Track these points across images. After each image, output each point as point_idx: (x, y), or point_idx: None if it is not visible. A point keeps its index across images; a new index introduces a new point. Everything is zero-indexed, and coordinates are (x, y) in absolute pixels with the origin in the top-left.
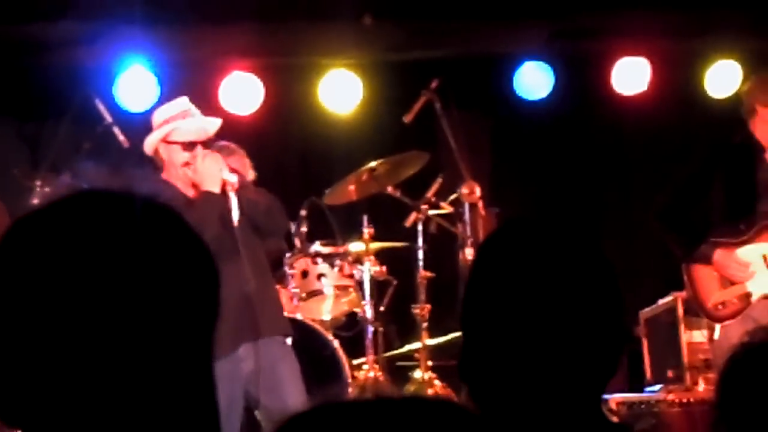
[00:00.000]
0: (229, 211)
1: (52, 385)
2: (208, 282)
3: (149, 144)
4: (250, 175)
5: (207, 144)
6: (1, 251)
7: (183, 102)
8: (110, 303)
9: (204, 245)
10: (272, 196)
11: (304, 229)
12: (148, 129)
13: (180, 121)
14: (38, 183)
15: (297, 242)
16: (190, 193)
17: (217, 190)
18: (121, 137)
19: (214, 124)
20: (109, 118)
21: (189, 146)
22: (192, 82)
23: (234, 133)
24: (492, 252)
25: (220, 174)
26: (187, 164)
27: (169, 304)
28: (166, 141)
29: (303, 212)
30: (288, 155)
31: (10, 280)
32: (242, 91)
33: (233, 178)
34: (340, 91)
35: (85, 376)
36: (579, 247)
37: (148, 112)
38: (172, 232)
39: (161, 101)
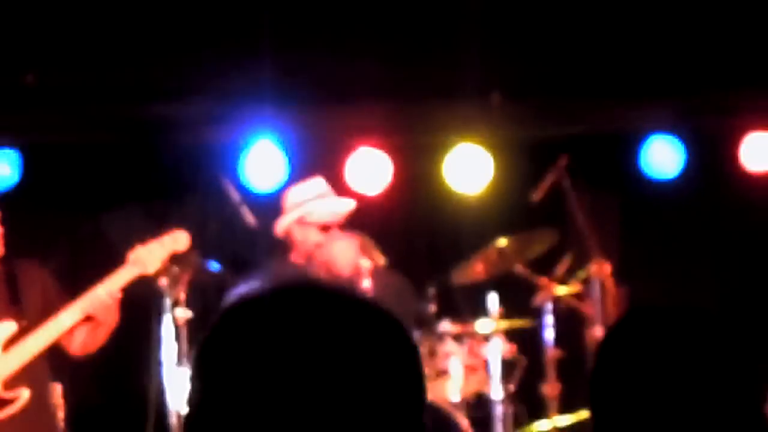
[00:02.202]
0: None
1: None
2: (414, 383)
3: (282, 225)
4: (380, 260)
5: (341, 226)
6: (214, 334)
7: (318, 183)
8: (316, 399)
9: (416, 352)
10: (403, 279)
11: (432, 308)
12: (275, 208)
13: (316, 203)
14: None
15: (425, 322)
16: (322, 275)
17: (348, 273)
18: (249, 217)
19: (347, 205)
20: (236, 198)
21: (323, 228)
22: (320, 159)
23: (361, 211)
24: (619, 340)
25: (353, 258)
26: (319, 246)
27: (373, 406)
28: (301, 222)
29: (431, 291)
30: (415, 234)
31: (218, 362)
32: (370, 169)
33: (366, 263)
34: (468, 169)
35: None
36: (709, 334)
37: (276, 192)
38: (383, 334)
39: (290, 179)
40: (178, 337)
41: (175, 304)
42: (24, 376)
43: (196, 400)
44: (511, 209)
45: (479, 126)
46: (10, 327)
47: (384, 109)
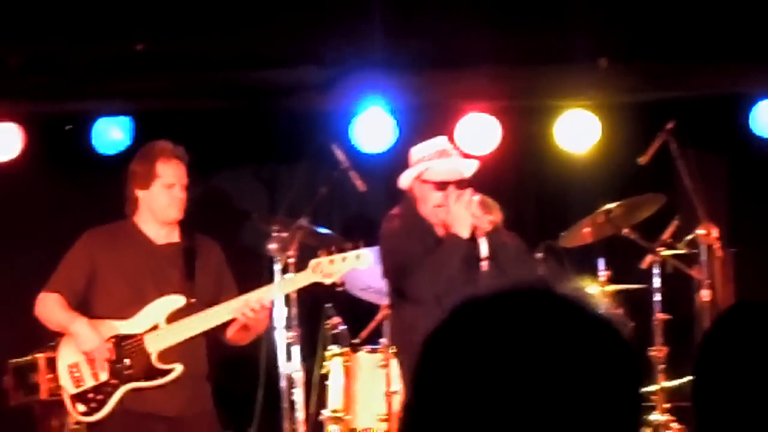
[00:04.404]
0: (477, 254)
1: None
2: (632, 409)
3: (405, 179)
4: (498, 219)
5: (461, 185)
6: (442, 328)
7: (441, 141)
8: (535, 409)
9: (640, 380)
10: (519, 239)
11: (541, 271)
12: (385, 172)
13: (435, 161)
14: (275, 228)
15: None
16: (441, 232)
17: (466, 233)
18: (358, 181)
19: (470, 165)
20: (346, 162)
21: (442, 186)
22: (429, 123)
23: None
24: (723, 335)
25: (471, 218)
26: (440, 205)
27: (588, 425)
28: (420, 179)
29: (539, 255)
30: (524, 197)
31: (443, 359)
32: (479, 132)
33: (484, 223)
34: (577, 132)
35: None
36: None
37: (385, 154)
38: (608, 344)
39: (398, 143)
40: (287, 301)
41: (285, 268)
42: (180, 350)
43: (417, 392)
44: (618, 173)
45: (587, 90)
46: (179, 301)
47: (493, 75)
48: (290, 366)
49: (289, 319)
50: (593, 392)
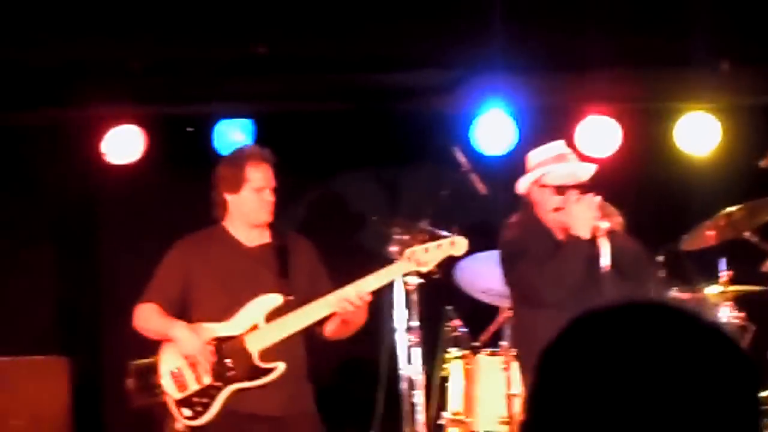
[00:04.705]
0: (597, 257)
1: None
2: (752, 413)
3: (523, 184)
4: (618, 222)
5: (582, 189)
6: (561, 341)
7: (559, 145)
8: (656, 419)
9: (757, 397)
10: (639, 243)
11: (661, 274)
12: (505, 175)
13: (553, 165)
14: (396, 230)
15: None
16: (560, 236)
17: (587, 235)
18: (479, 184)
19: (587, 169)
20: (467, 165)
21: (561, 190)
22: (549, 125)
23: (592, 177)
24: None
25: (591, 220)
26: (559, 209)
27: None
28: (538, 184)
29: (660, 258)
30: (644, 200)
31: (561, 371)
32: (600, 135)
33: (605, 225)
34: (698, 134)
35: None
36: None
37: (506, 157)
38: (726, 357)
39: (519, 145)
40: (408, 303)
41: None
42: (281, 348)
43: (534, 403)
44: (739, 176)
45: (708, 93)
46: (276, 300)
47: (613, 77)
48: (411, 368)
49: (409, 321)
50: (712, 405)
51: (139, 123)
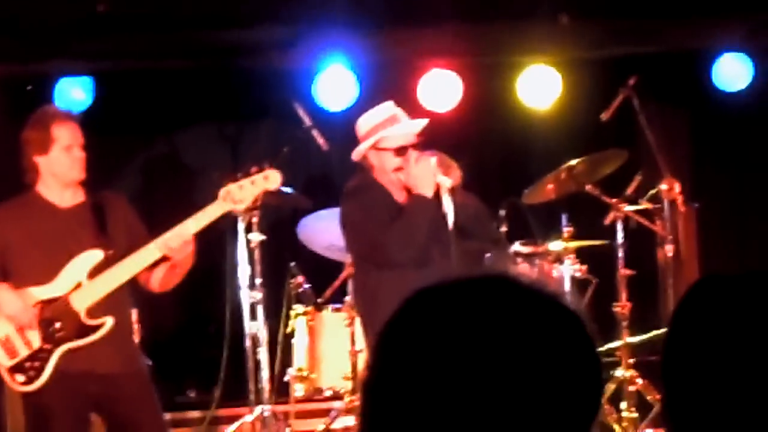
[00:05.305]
0: (443, 214)
1: None
2: (591, 396)
3: (358, 153)
4: (457, 177)
5: (417, 146)
6: (399, 316)
7: (388, 107)
8: (491, 394)
9: (596, 356)
10: (478, 199)
11: (503, 228)
12: (347, 130)
13: (389, 128)
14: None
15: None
16: (402, 197)
17: (430, 193)
18: (321, 140)
19: (420, 125)
20: (308, 122)
21: (400, 151)
22: (391, 81)
23: (432, 130)
24: (689, 314)
25: (433, 177)
26: (399, 169)
27: (547, 406)
28: (376, 147)
29: (502, 212)
30: (487, 153)
31: (399, 346)
32: (441, 89)
33: (447, 181)
34: (539, 88)
35: None
36: None
37: (347, 112)
38: (568, 335)
39: (360, 100)
40: (251, 260)
41: (249, 227)
42: (107, 303)
43: (373, 376)
44: (581, 129)
45: (549, 46)
46: (97, 256)
47: (454, 31)
48: (255, 325)
49: (252, 278)
50: (551, 380)
51: None
